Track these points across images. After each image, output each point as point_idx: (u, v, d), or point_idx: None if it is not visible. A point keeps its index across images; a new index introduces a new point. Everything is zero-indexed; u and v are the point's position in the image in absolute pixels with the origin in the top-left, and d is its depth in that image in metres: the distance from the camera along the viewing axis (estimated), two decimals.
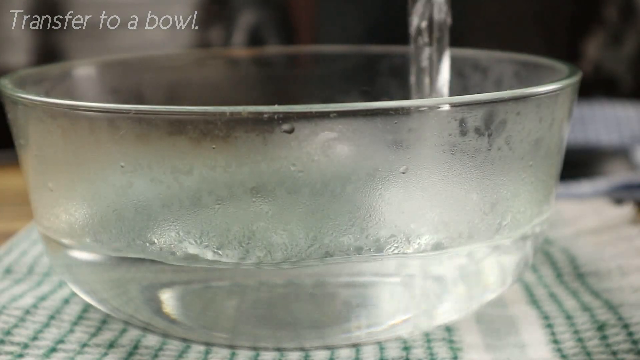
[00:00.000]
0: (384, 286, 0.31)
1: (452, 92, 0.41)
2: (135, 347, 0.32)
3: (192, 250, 0.29)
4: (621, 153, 0.58)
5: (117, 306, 0.32)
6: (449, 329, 0.33)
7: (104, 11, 0.70)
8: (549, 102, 0.31)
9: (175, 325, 0.31)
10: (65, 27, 0.69)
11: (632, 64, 0.66)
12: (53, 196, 0.31)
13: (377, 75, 0.43)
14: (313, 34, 0.68)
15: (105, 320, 0.34)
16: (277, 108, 0.27)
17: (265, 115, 0.27)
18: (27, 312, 0.34)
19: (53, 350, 0.32)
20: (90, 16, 0.70)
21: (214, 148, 0.28)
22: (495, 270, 0.32)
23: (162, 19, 0.70)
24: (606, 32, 0.65)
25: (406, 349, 0.31)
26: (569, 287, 0.37)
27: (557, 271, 0.39)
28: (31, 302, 0.35)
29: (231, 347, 0.32)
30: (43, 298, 0.36)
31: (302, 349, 0.31)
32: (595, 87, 0.66)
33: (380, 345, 0.32)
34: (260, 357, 0.31)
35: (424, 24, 0.35)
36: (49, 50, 0.70)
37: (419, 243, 0.30)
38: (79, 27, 0.67)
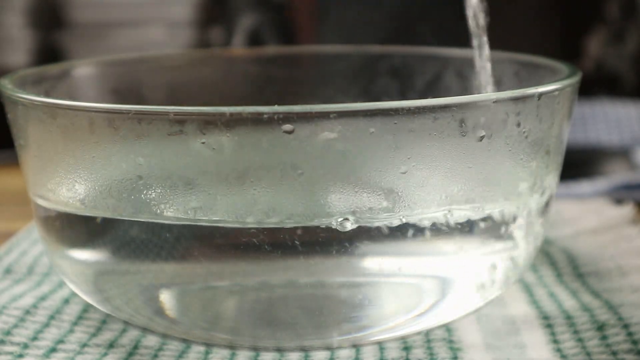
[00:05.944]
0: (384, 286, 0.31)
1: (452, 92, 0.41)
2: (135, 347, 0.32)
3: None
4: (621, 153, 0.58)
5: (117, 306, 0.32)
6: (449, 329, 0.33)
7: (104, 11, 0.70)
8: (549, 102, 0.31)
9: (175, 325, 0.31)
10: (65, 27, 0.69)
11: (634, 62, 0.66)
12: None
13: (377, 75, 0.43)
14: (313, 36, 0.68)
15: (105, 320, 0.34)
16: (277, 108, 0.27)
17: (265, 115, 0.27)
18: (27, 312, 0.34)
19: (53, 350, 0.32)
20: (90, 16, 0.70)
21: (214, 149, 0.28)
22: (494, 269, 0.32)
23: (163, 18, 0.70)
24: (608, 29, 0.65)
25: (406, 349, 0.31)
26: (569, 287, 0.37)
27: (557, 271, 0.39)
28: (31, 302, 0.35)
29: (231, 347, 0.32)
30: (43, 298, 0.36)
31: (302, 349, 0.31)
32: (597, 85, 0.65)
33: (380, 345, 0.32)
34: (260, 357, 0.31)
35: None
36: (49, 50, 0.70)
37: (417, 241, 0.30)
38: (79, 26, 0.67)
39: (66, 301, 0.36)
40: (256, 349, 0.31)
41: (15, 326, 0.33)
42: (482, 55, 0.36)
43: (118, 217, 0.30)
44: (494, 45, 0.37)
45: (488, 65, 0.36)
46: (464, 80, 0.41)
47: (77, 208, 0.31)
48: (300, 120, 0.27)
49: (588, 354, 0.31)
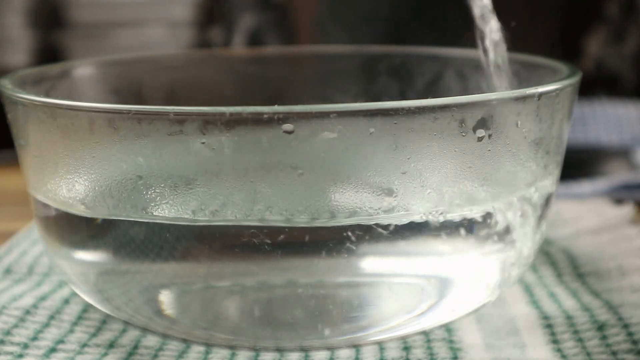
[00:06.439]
0: (384, 286, 0.31)
1: (452, 92, 0.41)
2: (135, 347, 0.32)
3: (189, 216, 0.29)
4: (621, 153, 0.58)
5: (117, 306, 0.32)
6: (449, 329, 0.33)
7: (104, 11, 0.70)
8: (549, 102, 0.31)
9: (175, 325, 0.31)
10: (65, 27, 0.69)
11: (634, 61, 0.66)
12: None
13: (377, 75, 0.43)
14: (313, 36, 0.68)
15: (105, 321, 0.34)
16: (277, 108, 0.27)
17: (265, 115, 0.27)
18: (27, 312, 0.34)
19: (53, 350, 0.32)
20: (90, 16, 0.70)
21: (214, 149, 0.28)
22: (493, 270, 0.32)
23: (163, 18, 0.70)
24: (608, 29, 0.65)
25: (406, 349, 0.31)
26: (569, 287, 0.37)
27: (557, 271, 0.39)
28: (31, 302, 0.35)
29: (231, 347, 0.32)
30: (43, 298, 0.36)
31: (302, 349, 0.31)
32: (597, 85, 0.66)
33: (380, 346, 0.32)
34: (260, 357, 0.31)
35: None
36: (49, 50, 0.70)
37: (417, 241, 0.30)
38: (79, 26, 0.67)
39: (66, 301, 0.36)
40: (256, 349, 0.31)
41: (15, 326, 0.33)
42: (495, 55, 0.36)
43: (118, 218, 0.30)
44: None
45: (504, 66, 0.36)
46: (464, 80, 0.41)
47: (77, 208, 0.31)
48: (300, 120, 0.27)
49: (588, 354, 0.31)
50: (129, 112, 0.28)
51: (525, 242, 0.32)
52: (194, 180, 0.29)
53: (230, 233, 0.29)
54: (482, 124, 0.29)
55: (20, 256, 0.41)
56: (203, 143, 0.28)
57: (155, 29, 0.71)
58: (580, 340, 0.32)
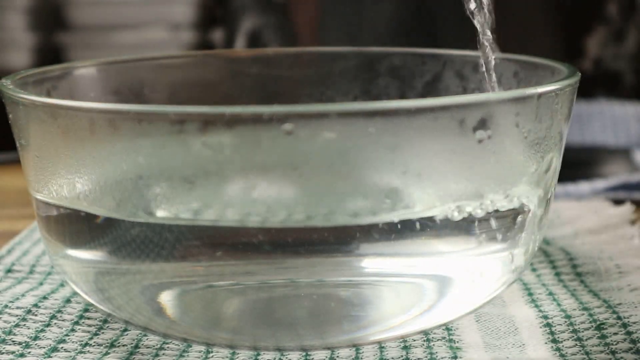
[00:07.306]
0: (384, 286, 0.31)
1: (452, 92, 0.41)
2: (136, 346, 0.32)
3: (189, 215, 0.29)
4: (620, 153, 0.58)
5: (118, 306, 0.32)
6: (448, 328, 0.33)
7: (105, 12, 0.70)
8: (548, 103, 0.31)
9: (176, 325, 0.31)
10: (66, 28, 0.69)
11: (634, 61, 0.66)
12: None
13: (377, 75, 0.43)
14: (314, 36, 0.68)
15: (106, 320, 0.34)
16: (277, 108, 0.27)
17: (265, 116, 0.27)
18: (29, 311, 0.34)
19: (54, 349, 0.32)
20: (91, 17, 0.70)
21: (214, 149, 0.28)
22: (493, 269, 0.32)
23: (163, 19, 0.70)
24: (608, 29, 0.65)
25: (406, 348, 0.31)
26: (568, 287, 0.37)
27: (556, 270, 0.39)
28: (32, 301, 0.35)
29: (231, 347, 0.32)
30: (44, 297, 0.36)
31: (302, 349, 0.31)
32: (597, 84, 0.65)
33: (380, 345, 0.32)
34: (260, 357, 0.31)
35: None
36: (51, 51, 0.70)
37: (417, 241, 0.30)
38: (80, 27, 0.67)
39: (67, 301, 0.36)
40: (256, 349, 0.31)
41: (17, 325, 0.33)
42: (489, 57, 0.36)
43: (118, 217, 0.30)
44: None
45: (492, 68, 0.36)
46: (464, 80, 0.41)
47: (77, 208, 0.31)
48: (300, 120, 0.27)
49: (587, 353, 0.31)
50: (129, 112, 0.28)
51: (525, 242, 0.33)
52: (194, 180, 0.29)
53: (230, 233, 0.29)
54: (482, 124, 0.29)
55: (21, 255, 0.41)
56: (203, 143, 0.28)
57: (157, 30, 0.71)
58: (579, 339, 0.32)
